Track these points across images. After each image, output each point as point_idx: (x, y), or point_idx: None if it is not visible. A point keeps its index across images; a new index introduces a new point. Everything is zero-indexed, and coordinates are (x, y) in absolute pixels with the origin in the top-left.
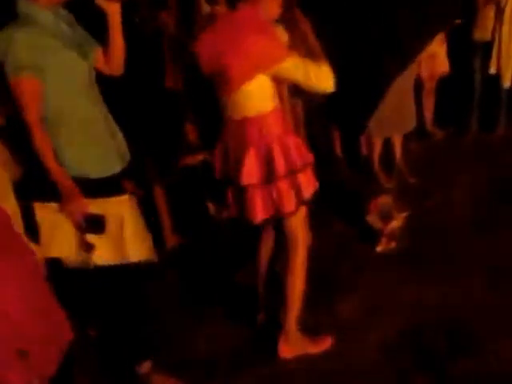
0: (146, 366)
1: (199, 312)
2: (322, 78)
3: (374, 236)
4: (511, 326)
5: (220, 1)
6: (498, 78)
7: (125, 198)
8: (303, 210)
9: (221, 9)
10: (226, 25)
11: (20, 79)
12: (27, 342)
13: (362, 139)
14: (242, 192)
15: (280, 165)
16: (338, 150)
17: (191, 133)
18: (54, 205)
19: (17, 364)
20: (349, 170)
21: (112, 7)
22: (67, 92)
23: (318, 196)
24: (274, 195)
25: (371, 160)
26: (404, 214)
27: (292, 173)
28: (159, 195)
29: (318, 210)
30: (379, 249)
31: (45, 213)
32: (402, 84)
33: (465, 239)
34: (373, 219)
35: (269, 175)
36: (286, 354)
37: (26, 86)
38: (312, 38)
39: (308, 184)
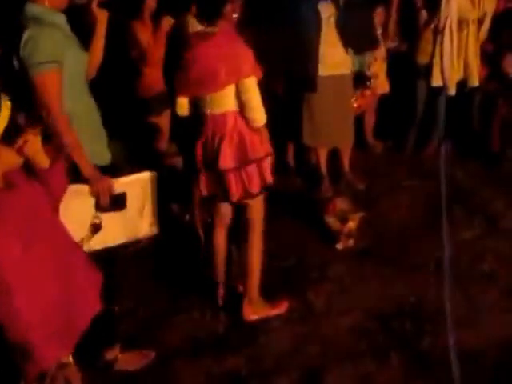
0: (113, 352)
1: (172, 301)
2: (262, 110)
3: (332, 236)
4: (464, 311)
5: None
6: (436, 98)
7: (145, 175)
8: (262, 196)
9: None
10: (217, 40)
11: (49, 72)
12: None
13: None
14: (219, 176)
15: (250, 151)
16: (291, 161)
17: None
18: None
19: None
20: (299, 178)
21: (102, 15)
22: (78, 87)
23: (279, 201)
24: (244, 178)
25: (319, 168)
26: (359, 215)
27: (259, 159)
28: None
29: (280, 213)
30: (339, 246)
31: None
32: (341, 103)
33: (412, 238)
34: (331, 220)
35: (241, 160)
36: (249, 316)
37: (55, 78)
38: None
39: (269, 171)
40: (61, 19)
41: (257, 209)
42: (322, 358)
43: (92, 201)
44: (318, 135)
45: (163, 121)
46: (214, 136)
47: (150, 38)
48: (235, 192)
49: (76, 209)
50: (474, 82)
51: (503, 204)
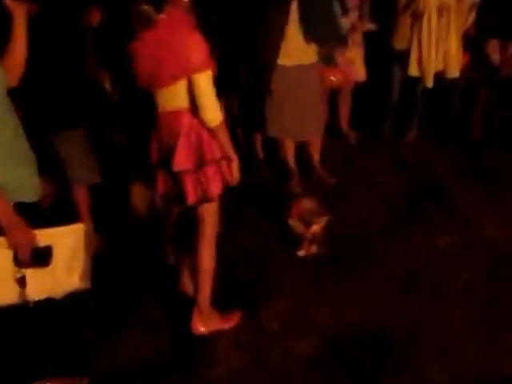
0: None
1: (121, 321)
2: (217, 109)
3: (295, 240)
4: (431, 338)
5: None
6: (414, 86)
7: (77, 227)
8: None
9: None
10: (165, 27)
11: None
12: None
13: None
14: (174, 177)
15: (209, 151)
16: (260, 153)
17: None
18: None
19: None
20: (269, 172)
21: (19, 9)
22: None
23: (241, 197)
24: (203, 180)
25: (286, 162)
26: (325, 219)
27: (218, 159)
28: (81, 196)
29: (241, 211)
30: (301, 253)
31: None
32: (306, 94)
33: (381, 243)
34: (294, 223)
35: (198, 161)
36: (199, 329)
37: None
38: None
39: (230, 171)
40: None
41: (211, 211)
42: None
43: (11, 254)
44: (283, 127)
45: None
46: (169, 135)
47: None
48: (192, 195)
49: None
50: (454, 73)
51: (484, 206)
